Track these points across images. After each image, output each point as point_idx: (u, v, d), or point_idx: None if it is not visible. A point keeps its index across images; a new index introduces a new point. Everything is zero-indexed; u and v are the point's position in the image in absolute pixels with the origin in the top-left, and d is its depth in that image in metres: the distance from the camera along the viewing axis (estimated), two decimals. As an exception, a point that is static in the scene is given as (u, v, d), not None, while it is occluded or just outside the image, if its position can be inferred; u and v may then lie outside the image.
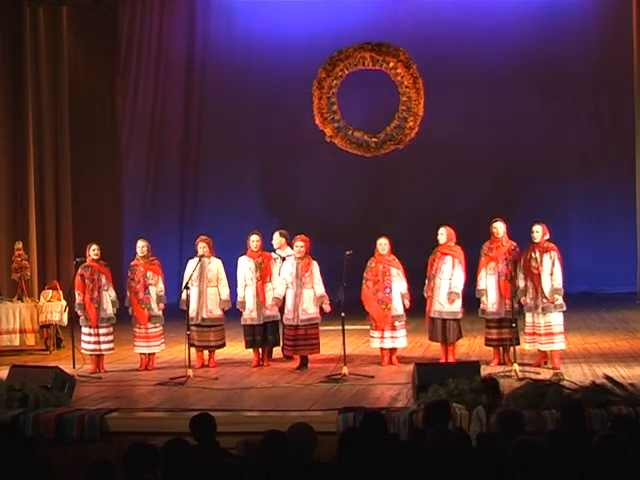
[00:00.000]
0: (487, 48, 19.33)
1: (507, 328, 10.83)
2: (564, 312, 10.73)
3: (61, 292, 13.68)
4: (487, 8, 19.57)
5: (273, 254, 11.72)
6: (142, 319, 11.35)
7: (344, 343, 10.53)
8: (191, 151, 20.80)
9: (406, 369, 10.35)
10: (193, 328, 11.27)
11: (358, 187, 19.72)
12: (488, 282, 10.92)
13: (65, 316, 13.21)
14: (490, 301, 10.93)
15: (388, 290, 11.13)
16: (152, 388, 10.23)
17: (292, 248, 11.44)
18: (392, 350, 11.25)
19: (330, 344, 12.71)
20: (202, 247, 11.45)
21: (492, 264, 10.93)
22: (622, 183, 18.55)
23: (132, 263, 11.56)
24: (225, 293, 11.43)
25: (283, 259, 11.54)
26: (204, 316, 11.31)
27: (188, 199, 20.84)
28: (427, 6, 19.32)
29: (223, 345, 11.63)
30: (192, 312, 11.25)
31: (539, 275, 10.60)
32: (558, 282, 10.63)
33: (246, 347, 11.63)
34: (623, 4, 17.99)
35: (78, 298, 11.36)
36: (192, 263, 11.45)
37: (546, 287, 10.60)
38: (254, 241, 11.51)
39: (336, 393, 9.61)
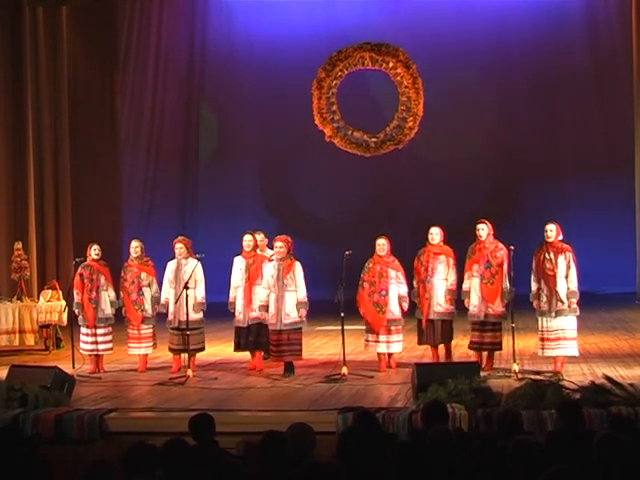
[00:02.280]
0: (487, 48, 19.36)
1: (490, 332, 10.62)
2: (577, 316, 10.45)
3: (60, 292, 13.67)
4: (486, 8, 19.57)
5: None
6: (135, 320, 11.22)
7: (343, 343, 10.51)
8: (191, 151, 20.82)
9: (405, 369, 10.34)
10: (171, 331, 11.10)
11: (357, 187, 19.73)
12: (472, 284, 10.68)
13: (64, 316, 13.20)
14: (472, 303, 10.68)
15: (384, 292, 10.76)
16: (152, 388, 10.23)
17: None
18: (389, 354, 10.96)
19: (330, 344, 12.73)
20: (179, 248, 11.18)
21: (475, 266, 10.68)
22: (622, 183, 18.55)
23: (126, 264, 11.43)
24: (200, 295, 11.04)
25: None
26: (181, 319, 10.93)
27: (188, 199, 20.87)
28: (427, 7, 19.33)
29: (202, 349, 11.26)
30: (170, 315, 11.07)
31: (554, 277, 10.24)
32: (574, 285, 10.31)
33: (234, 349, 11.31)
34: (623, 4, 18.00)
35: (77, 297, 11.33)
36: (171, 265, 11.19)
37: (561, 290, 10.26)
38: (246, 241, 11.18)
39: (335, 393, 9.61)
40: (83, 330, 11.33)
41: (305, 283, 10.71)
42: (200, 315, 11.13)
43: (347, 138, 15.35)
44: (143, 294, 11.24)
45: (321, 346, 12.92)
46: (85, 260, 11.42)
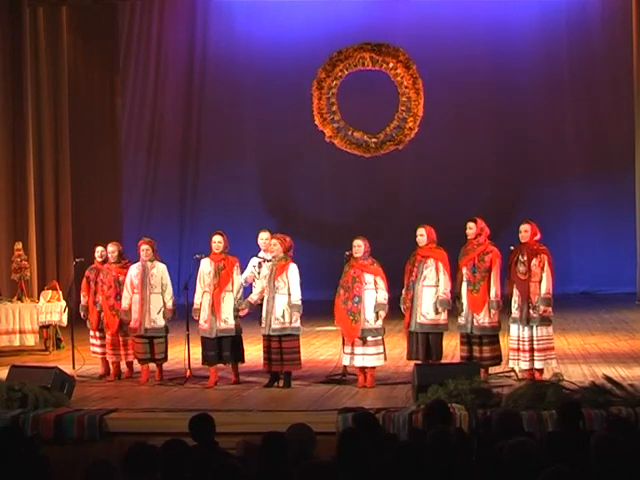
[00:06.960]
0: (487, 49, 19.38)
1: (477, 345, 9.81)
2: (551, 325, 9.72)
3: (61, 292, 13.66)
4: (486, 9, 19.58)
5: (259, 255, 10.59)
6: (112, 326, 10.74)
7: (343, 343, 10.48)
8: (191, 151, 20.82)
9: (406, 370, 10.32)
10: (136, 340, 10.52)
11: (357, 188, 19.73)
12: (462, 290, 9.86)
13: (65, 316, 13.19)
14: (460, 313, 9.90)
15: (357, 299, 9.70)
16: (152, 388, 10.23)
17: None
18: (368, 369, 9.87)
19: (330, 344, 12.73)
20: (145, 250, 10.54)
21: (464, 270, 9.84)
22: (622, 183, 18.56)
23: (105, 266, 10.95)
24: (168, 301, 10.51)
25: (264, 261, 10.30)
26: (147, 326, 10.44)
27: (188, 199, 20.86)
28: (426, 8, 19.35)
29: (165, 359, 10.64)
30: (134, 322, 10.47)
31: (526, 282, 9.55)
32: (546, 290, 9.55)
33: (202, 362, 10.41)
34: (623, 4, 18.01)
35: (83, 300, 11.12)
36: (135, 269, 10.57)
37: (533, 296, 9.56)
38: (215, 242, 10.31)
39: (335, 393, 9.61)
40: (91, 333, 11.15)
41: (304, 284, 10.01)
42: (164, 322, 10.54)
43: (347, 138, 15.33)
44: (121, 299, 10.74)
45: (321, 346, 12.92)
46: (90, 261, 11.27)
